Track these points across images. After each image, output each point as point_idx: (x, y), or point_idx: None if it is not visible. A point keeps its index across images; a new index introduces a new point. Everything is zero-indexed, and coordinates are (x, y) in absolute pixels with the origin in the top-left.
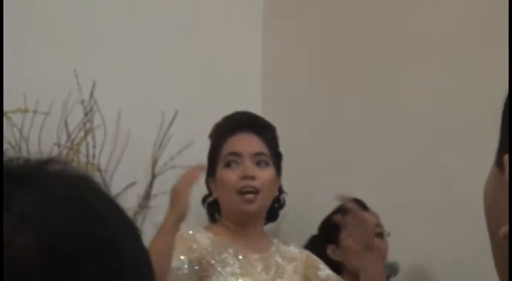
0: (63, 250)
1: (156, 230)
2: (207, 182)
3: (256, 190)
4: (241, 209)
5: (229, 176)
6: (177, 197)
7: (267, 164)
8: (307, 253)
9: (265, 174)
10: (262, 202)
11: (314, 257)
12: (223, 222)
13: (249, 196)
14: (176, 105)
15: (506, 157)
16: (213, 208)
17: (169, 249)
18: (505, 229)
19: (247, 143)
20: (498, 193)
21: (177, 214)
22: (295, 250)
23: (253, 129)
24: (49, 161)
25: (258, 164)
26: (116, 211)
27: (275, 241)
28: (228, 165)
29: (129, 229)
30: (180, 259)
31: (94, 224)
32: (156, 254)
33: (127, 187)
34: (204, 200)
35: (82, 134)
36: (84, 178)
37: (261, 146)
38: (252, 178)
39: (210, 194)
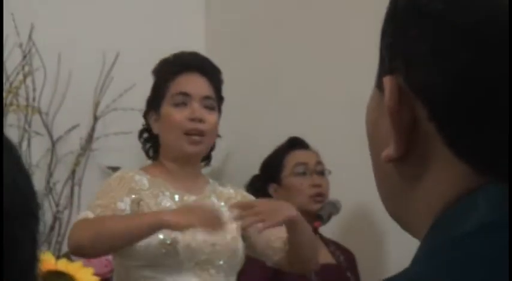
0: None
1: (100, 173)
2: (147, 116)
3: (202, 132)
4: (185, 150)
5: (177, 115)
6: (191, 218)
7: (213, 108)
8: (242, 192)
9: (212, 118)
10: (206, 145)
11: (249, 198)
12: (160, 161)
13: (196, 138)
14: (118, 47)
15: (386, 79)
16: (150, 144)
17: (129, 237)
18: (386, 152)
19: (197, 85)
20: (379, 116)
21: (175, 223)
22: (230, 191)
23: (202, 71)
24: None
25: (205, 107)
26: None
27: (211, 181)
28: (176, 104)
29: (9, 154)
30: (124, 201)
31: None
32: (111, 230)
33: (69, 130)
34: (141, 134)
35: (21, 77)
36: None
37: (209, 90)
38: (200, 120)
39: (147, 129)
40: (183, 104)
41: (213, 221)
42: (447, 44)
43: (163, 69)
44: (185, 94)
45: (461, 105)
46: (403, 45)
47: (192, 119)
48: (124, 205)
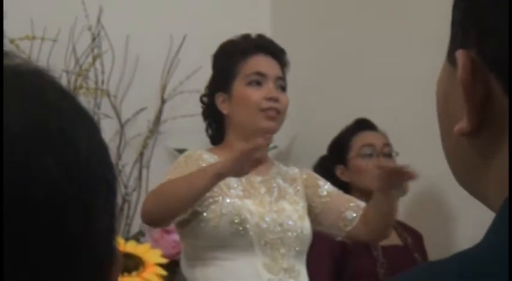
0: (19, 143)
1: (167, 155)
2: (212, 97)
3: (279, 112)
4: (263, 125)
5: (253, 94)
6: (242, 160)
7: (284, 88)
8: (308, 171)
9: (285, 98)
10: (279, 124)
11: (314, 175)
12: (228, 142)
13: (272, 113)
14: (185, 30)
15: (459, 53)
16: (216, 125)
17: (193, 193)
18: (459, 125)
19: (271, 66)
20: (451, 91)
21: (229, 169)
22: (295, 171)
23: (273, 53)
24: (5, 54)
25: (278, 87)
26: (73, 105)
27: (276, 162)
28: (250, 84)
29: (87, 124)
30: None
31: (50, 118)
32: (179, 190)
33: (137, 113)
34: (205, 116)
35: (90, 60)
36: (40, 72)
37: (280, 71)
38: (276, 100)
39: (212, 110)
40: (258, 83)
41: (253, 162)
42: None
43: (233, 50)
44: (260, 74)
45: None
46: (477, 17)
47: (269, 99)
48: None
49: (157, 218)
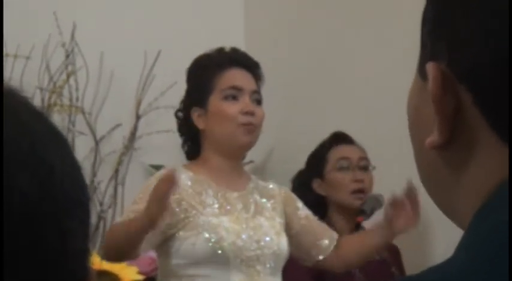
0: None
1: (143, 171)
2: (188, 113)
3: (255, 127)
4: (241, 140)
5: (229, 109)
6: (154, 202)
7: (260, 102)
8: (286, 189)
9: (261, 111)
10: (256, 138)
11: (293, 196)
12: (204, 157)
13: (250, 127)
14: (159, 46)
15: (429, 66)
16: (190, 141)
17: (132, 242)
18: (430, 139)
19: (247, 80)
20: (422, 104)
21: (150, 220)
22: (273, 186)
23: (247, 66)
24: None
25: (254, 101)
26: (47, 126)
27: (253, 177)
28: (226, 98)
29: (61, 146)
30: None
31: (23, 139)
32: (116, 238)
33: (112, 129)
34: (181, 131)
35: (64, 76)
36: (12, 92)
37: (255, 85)
38: (252, 114)
39: (188, 125)
40: (233, 98)
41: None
42: (494, 23)
43: (208, 64)
44: (236, 88)
45: (509, 87)
46: (446, 28)
47: (246, 113)
48: None
49: (114, 257)
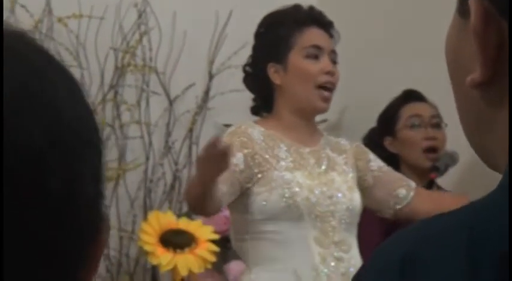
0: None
1: (216, 130)
2: (263, 68)
3: (334, 86)
4: (317, 105)
5: (311, 68)
6: (201, 168)
7: (336, 62)
8: (357, 144)
9: (338, 72)
10: (331, 100)
11: (364, 149)
12: (277, 113)
13: (327, 94)
14: (230, 5)
15: (471, 1)
16: (264, 95)
17: (204, 196)
18: (472, 76)
19: (326, 39)
20: (462, 43)
21: (202, 182)
22: (344, 142)
23: (324, 25)
24: None
25: (332, 60)
26: (57, 68)
27: (325, 133)
28: (307, 56)
29: (71, 87)
30: (236, 156)
31: (32, 80)
32: (191, 193)
33: (186, 89)
34: (253, 85)
35: (137, 37)
36: (22, 34)
37: (333, 44)
38: (333, 74)
39: (262, 80)
40: (315, 57)
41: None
42: None
43: (286, 20)
44: (317, 47)
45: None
46: None
47: (327, 72)
48: (236, 160)
49: (198, 211)
